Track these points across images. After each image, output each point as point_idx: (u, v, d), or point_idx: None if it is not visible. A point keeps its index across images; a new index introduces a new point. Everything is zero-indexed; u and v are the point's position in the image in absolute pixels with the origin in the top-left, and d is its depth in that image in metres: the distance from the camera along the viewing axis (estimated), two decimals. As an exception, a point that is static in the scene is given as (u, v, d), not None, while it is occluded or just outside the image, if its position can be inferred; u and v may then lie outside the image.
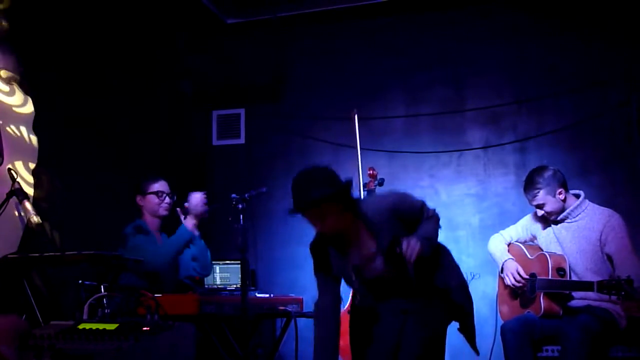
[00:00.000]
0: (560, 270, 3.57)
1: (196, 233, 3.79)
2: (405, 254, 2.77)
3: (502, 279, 3.88)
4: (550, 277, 3.55)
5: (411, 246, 2.78)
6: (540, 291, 3.56)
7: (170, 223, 3.94)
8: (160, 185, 3.90)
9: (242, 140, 5.66)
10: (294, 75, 5.49)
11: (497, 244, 3.92)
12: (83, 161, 4.16)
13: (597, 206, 3.75)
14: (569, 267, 3.61)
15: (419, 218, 2.97)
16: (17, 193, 3.35)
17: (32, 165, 3.83)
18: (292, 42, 5.50)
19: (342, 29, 5.44)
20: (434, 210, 3.03)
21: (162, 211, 3.88)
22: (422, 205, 3.00)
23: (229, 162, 5.64)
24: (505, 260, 3.80)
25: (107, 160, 4.37)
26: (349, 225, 2.87)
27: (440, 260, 3.02)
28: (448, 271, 3.05)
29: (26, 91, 3.85)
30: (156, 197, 3.86)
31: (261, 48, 5.55)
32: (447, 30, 5.18)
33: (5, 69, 3.73)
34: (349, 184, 2.86)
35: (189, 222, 3.75)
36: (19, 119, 3.79)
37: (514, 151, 4.97)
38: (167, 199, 3.88)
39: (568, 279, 3.57)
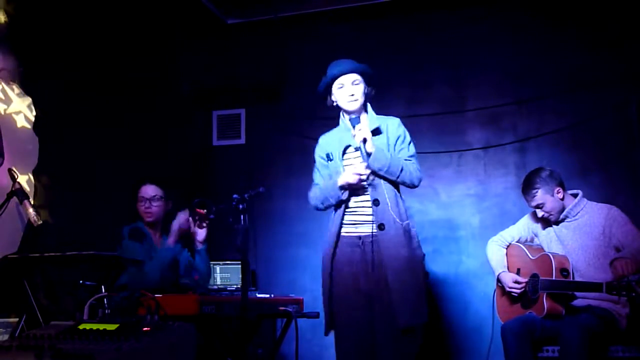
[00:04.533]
0: (563, 271, 3.57)
1: (177, 249, 3.72)
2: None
3: (499, 287, 3.89)
4: (554, 278, 3.55)
5: (362, 129, 3.29)
6: (543, 292, 3.57)
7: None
8: (143, 191, 3.81)
9: (242, 141, 5.66)
10: (294, 75, 5.48)
11: (494, 252, 3.92)
12: (83, 161, 4.16)
13: (595, 203, 3.78)
14: (571, 266, 3.61)
15: (401, 157, 3.31)
16: (18, 193, 3.35)
17: (32, 165, 3.83)
18: (293, 42, 5.50)
19: (342, 29, 5.43)
20: (417, 169, 3.31)
21: (147, 217, 3.80)
22: (413, 154, 3.36)
23: (229, 163, 5.64)
24: (500, 273, 3.81)
25: (107, 160, 4.36)
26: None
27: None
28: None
29: (26, 91, 3.85)
30: (141, 202, 3.80)
31: (261, 48, 5.54)
32: (447, 30, 5.18)
33: (5, 69, 3.73)
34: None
35: (170, 240, 3.68)
36: (19, 119, 3.79)
37: (514, 151, 4.96)
38: (150, 205, 3.79)
39: (571, 279, 3.57)
